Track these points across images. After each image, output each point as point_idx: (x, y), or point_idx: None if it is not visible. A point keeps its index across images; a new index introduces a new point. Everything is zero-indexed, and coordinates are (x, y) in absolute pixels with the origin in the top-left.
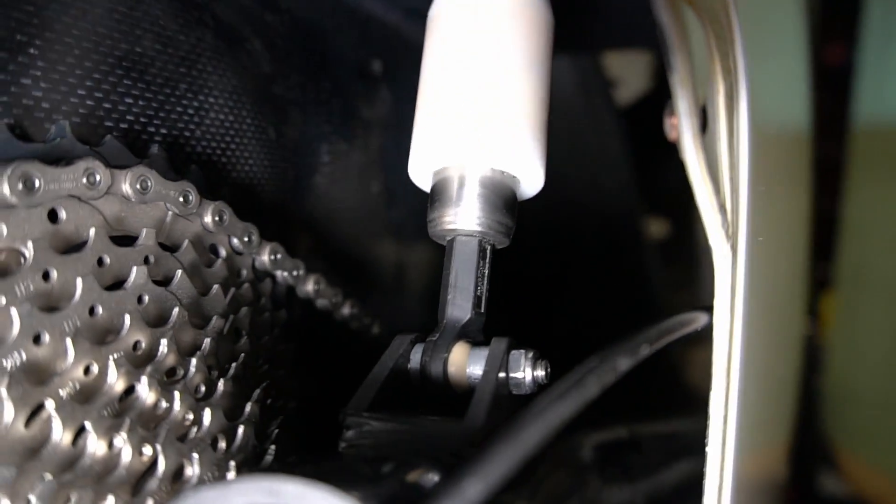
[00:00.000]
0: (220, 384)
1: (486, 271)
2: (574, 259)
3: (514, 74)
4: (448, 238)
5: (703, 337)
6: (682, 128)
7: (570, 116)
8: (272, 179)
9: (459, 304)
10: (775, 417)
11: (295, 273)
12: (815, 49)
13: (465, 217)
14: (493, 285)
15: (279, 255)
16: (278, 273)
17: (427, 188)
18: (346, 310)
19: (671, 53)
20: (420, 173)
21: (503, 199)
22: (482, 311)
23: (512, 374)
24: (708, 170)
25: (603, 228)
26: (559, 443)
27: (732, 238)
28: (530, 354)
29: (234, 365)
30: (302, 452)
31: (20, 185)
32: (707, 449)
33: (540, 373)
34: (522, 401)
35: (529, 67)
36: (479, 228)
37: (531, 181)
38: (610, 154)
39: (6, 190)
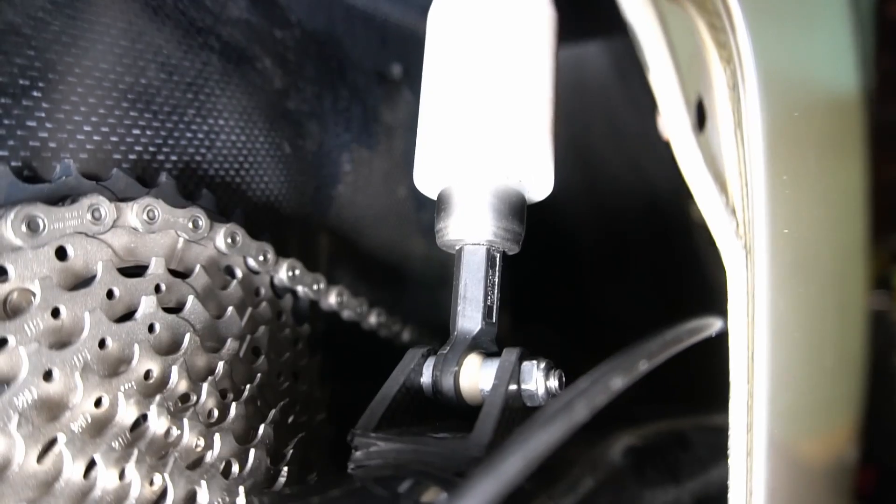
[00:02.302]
0: (234, 408)
1: (497, 280)
2: (622, 245)
3: (518, 78)
4: (456, 248)
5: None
6: (672, 127)
7: (607, 102)
8: (290, 194)
9: (469, 316)
10: (832, 403)
11: (316, 287)
12: (873, 4)
13: (472, 226)
14: (541, 276)
15: (297, 271)
16: (299, 288)
17: (434, 196)
18: (373, 319)
19: (645, 51)
20: (426, 183)
21: (511, 206)
22: (494, 321)
23: (524, 386)
24: (709, 168)
25: (649, 212)
26: (594, 445)
27: (745, 237)
28: (542, 365)
29: (248, 386)
30: (326, 468)
31: (24, 228)
32: (729, 460)
33: (553, 383)
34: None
35: (533, 68)
36: (487, 237)
37: (540, 186)
38: (652, 136)
39: (10, 233)
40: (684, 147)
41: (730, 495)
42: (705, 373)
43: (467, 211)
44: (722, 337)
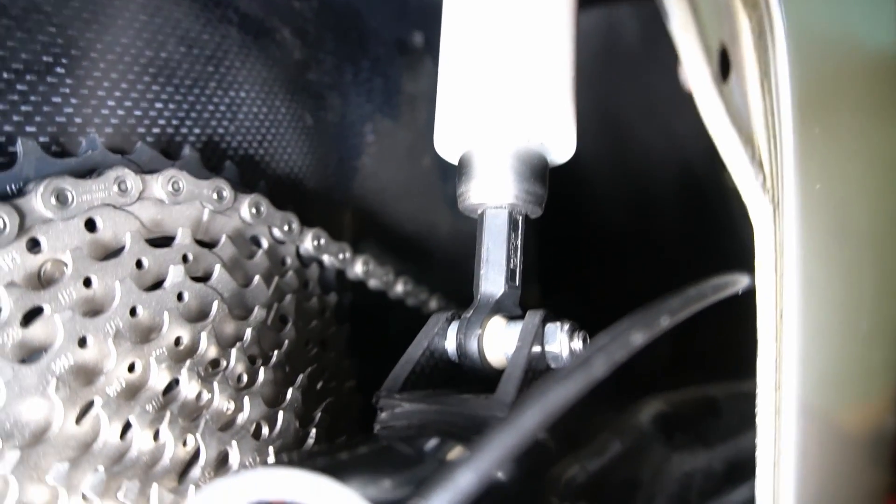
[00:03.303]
0: (262, 373)
1: (520, 243)
2: (653, 215)
3: (538, 38)
4: (478, 212)
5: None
6: (693, 78)
7: (636, 66)
8: (314, 166)
9: (492, 279)
10: (869, 369)
11: (341, 256)
12: None
13: (493, 190)
14: (569, 248)
15: (323, 240)
16: (325, 258)
17: (455, 161)
18: (399, 288)
19: None
20: (446, 148)
21: (533, 168)
22: (517, 284)
23: (548, 348)
24: (733, 119)
25: (682, 177)
26: (623, 410)
27: (772, 191)
28: (566, 326)
29: (276, 352)
30: (354, 433)
31: (53, 200)
32: (757, 419)
33: (577, 345)
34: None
35: (553, 27)
36: (508, 200)
37: (562, 147)
38: (683, 99)
39: (41, 205)
40: (706, 98)
41: (757, 455)
42: (737, 341)
43: (488, 174)
44: (751, 298)
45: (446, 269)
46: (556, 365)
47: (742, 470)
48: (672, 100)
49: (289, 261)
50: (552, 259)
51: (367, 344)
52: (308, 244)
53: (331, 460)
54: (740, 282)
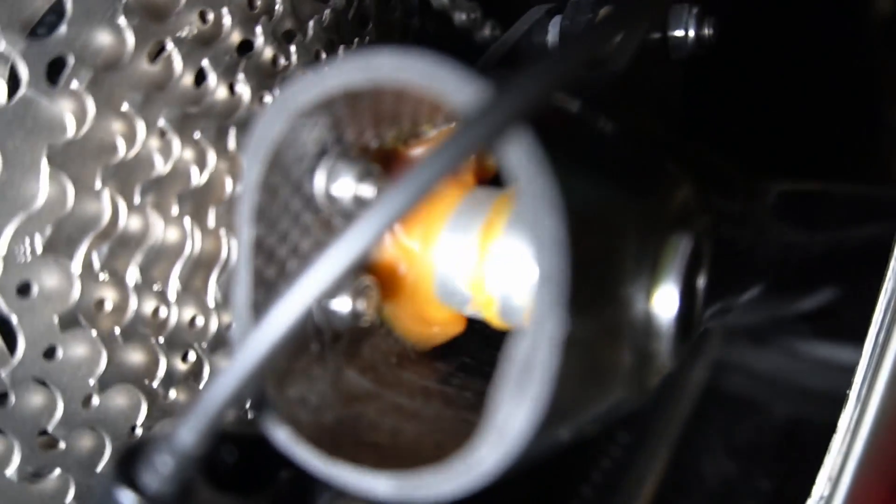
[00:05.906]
0: (342, 51)
1: None
2: (763, 42)
3: None
4: None
5: None
6: None
7: None
8: None
9: None
10: None
11: None
12: None
13: None
14: None
15: None
16: None
17: None
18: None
19: None
20: None
21: None
22: None
23: (671, 33)
24: None
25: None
26: (734, 179)
27: None
28: (695, 9)
29: (357, 42)
30: None
31: None
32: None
33: (706, 31)
34: (679, 69)
35: None
36: None
37: None
38: None
39: None
40: None
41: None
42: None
43: None
44: None
45: None
46: (678, 54)
47: (841, 265)
48: None
49: None
50: None
51: None
52: None
53: None
54: None
